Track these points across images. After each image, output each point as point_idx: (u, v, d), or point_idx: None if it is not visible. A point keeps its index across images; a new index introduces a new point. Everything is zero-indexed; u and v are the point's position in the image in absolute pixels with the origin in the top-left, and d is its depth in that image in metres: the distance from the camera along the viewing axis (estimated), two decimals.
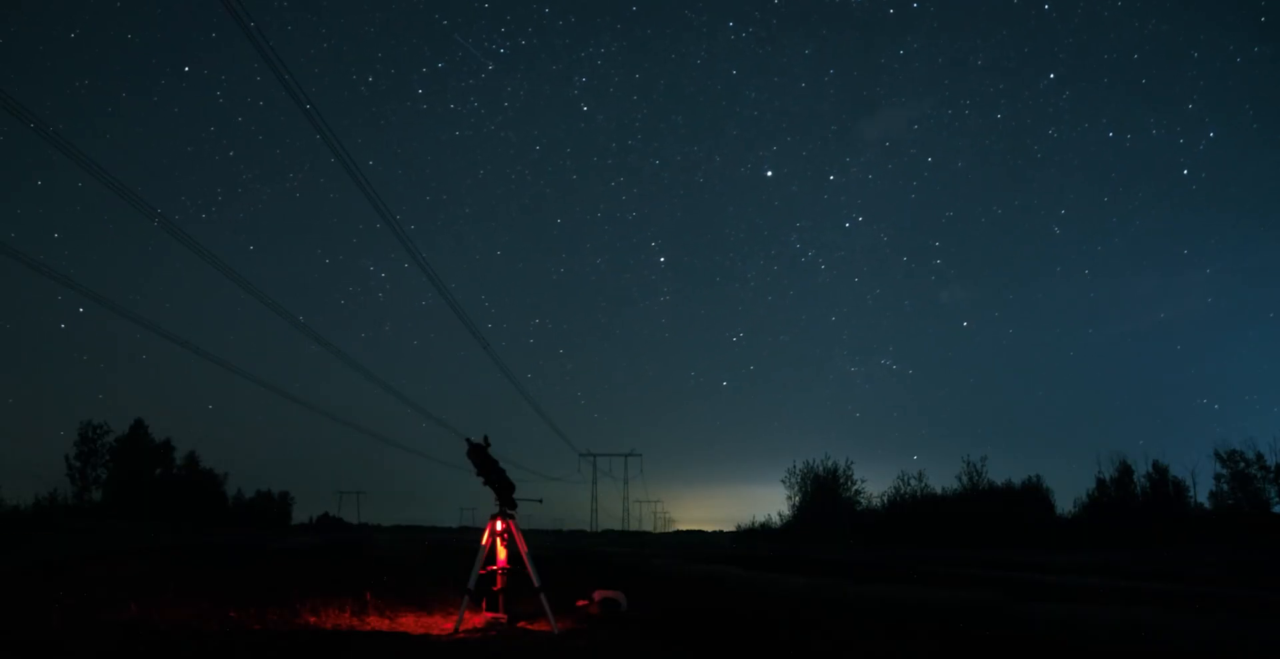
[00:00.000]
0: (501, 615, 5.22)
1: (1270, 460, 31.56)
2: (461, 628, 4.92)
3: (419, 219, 73.41)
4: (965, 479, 40.11)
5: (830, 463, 48.00)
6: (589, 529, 68.58)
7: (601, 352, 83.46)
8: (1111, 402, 70.69)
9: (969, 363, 73.86)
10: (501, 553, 5.28)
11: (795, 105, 68.77)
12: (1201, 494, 34.09)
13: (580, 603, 5.91)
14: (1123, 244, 65.49)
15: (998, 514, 35.64)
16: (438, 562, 13.59)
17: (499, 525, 5.21)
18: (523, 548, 5.10)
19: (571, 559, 16.70)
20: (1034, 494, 38.32)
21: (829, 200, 70.81)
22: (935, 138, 68.40)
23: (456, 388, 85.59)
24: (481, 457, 5.12)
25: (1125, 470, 35.75)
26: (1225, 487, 33.20)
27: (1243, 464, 32.56)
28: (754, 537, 57.29)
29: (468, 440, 5.12)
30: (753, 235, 76.23)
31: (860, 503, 46.27)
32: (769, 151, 71.87)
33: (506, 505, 5.20)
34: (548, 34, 63.94)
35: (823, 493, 47.57)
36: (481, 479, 5.14)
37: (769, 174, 69.37)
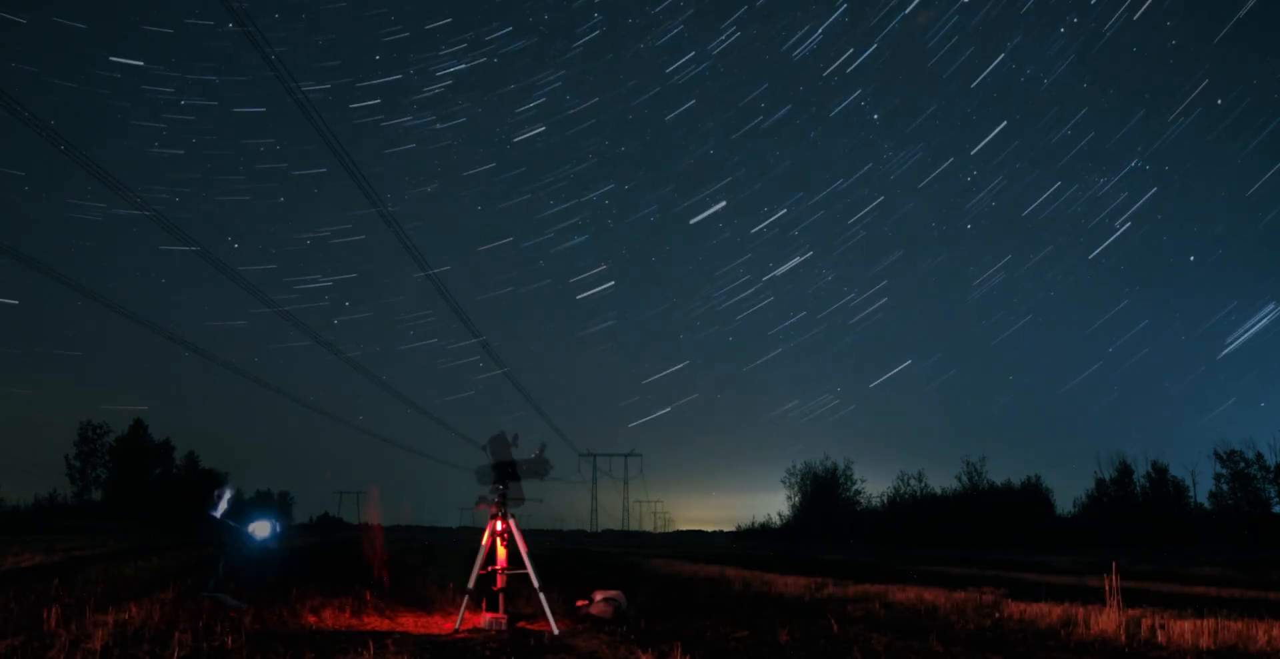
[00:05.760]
0: (501, 615, 5.21)
1: (1270, 460, 31.61)
2: (461, 628, 4.93)
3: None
4: (965, 479, 40.23)
5: (830, 463, 48.13)
6: (589, 529, 68.56)
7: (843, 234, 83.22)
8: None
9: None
10: (501, 553, 5.28)
11: None
12: (1201, 494, 34.08)
13: (580, 603, 5.91)
14: None
15: (997, 514, 35.65)
16: (437, 562, 13.57)
17: (499, 525, 5.22)
18: (523, 548, 5.10)
19: (571, 559, 16.69)
20: (1033, 494, 38.39)
21: None
22: None
23: (457, 387, 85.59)
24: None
25: (1125, 470, 35.77)
26: (1225, 487, 33.17)
27: (1243, 464, 32.57)
28: (754, 537, 57.31)
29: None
30: None
31: (860, 503, 46.42)
32: None
33: (513, 476, 5.22)
34: None
35: (822, 493, 47.66)
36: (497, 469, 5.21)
37: None
